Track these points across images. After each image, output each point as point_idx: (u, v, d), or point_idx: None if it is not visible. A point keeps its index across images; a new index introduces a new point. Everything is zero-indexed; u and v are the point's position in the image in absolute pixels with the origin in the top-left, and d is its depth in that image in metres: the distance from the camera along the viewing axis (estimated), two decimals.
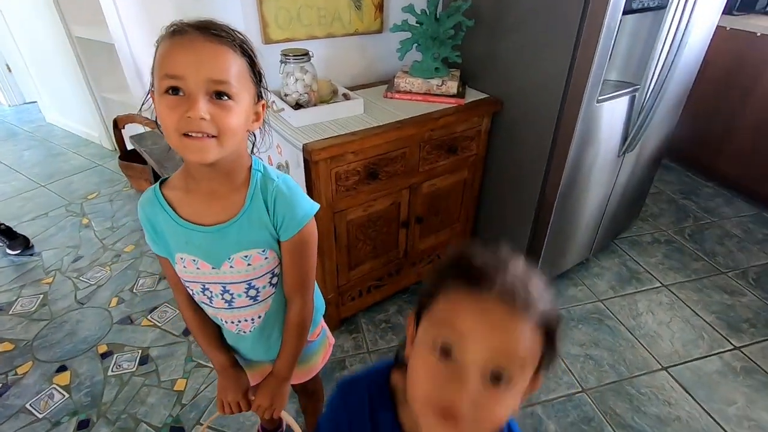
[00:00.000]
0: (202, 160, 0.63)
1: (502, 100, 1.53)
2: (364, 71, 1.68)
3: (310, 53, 1.30)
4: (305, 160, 1.23)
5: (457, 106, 1.47)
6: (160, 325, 1.66)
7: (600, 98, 1.35)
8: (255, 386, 0.89)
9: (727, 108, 2.34)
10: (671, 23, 1.34)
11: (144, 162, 2.19)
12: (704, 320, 1.70)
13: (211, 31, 0.60)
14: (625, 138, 1.56)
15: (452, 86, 1.49)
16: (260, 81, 0.69)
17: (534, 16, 1.33)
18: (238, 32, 0.65)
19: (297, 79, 1.30)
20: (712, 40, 1.67)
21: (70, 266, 1.94)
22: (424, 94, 1.50)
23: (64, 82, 2.82)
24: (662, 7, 1.29)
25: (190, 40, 0.59)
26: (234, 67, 0.62)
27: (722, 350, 1.59)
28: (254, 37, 1.38)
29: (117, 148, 2.47)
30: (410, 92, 1.51)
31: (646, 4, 1.23)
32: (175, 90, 0.59)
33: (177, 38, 0.60)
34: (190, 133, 0.60)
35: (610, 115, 1.44)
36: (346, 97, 1.43)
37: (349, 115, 1.37)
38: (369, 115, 1.38)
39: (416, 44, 1.48)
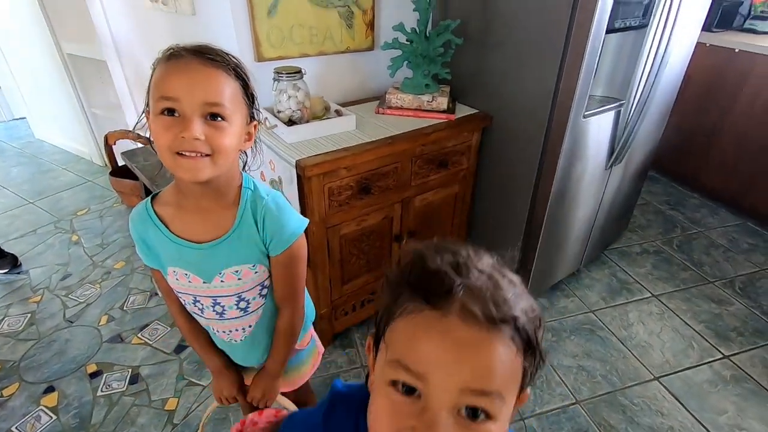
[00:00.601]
0: (195, 178, 0.64)
1: (491, 115, 1.56)
2: (355, 88, 1.71)
3: (303, 71, 1.32)
4: (298, 176, 1.24)
5: (448, 122, 1.49)
6: (151, 343, 1.63)
7: (586, 113, 1.38)
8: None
9: (709, 122, 2.41)
10: (653, 41, 1.38)
11: (135, 178, 2.19)
12: (693, 329, 1.72)
13: (205, 55, 0.63)
14: (612, 151, 1.60)
15: (442, 102, 1.52)
16: (253, 103, 0.71)
17: (520, 34, 1.37)
18: (233, 56, 0.67)
19: (290, 96, 1.32)
20: (692, 56, 1.73)
21: (58, 284, 1.91)
22: (415, 109, 1.53)
23: (55, 98, 2.81)
24: (644, 26, 1.34)
25: (185, 63, 0.61)
26: (227, 90, 0.64)
27: (712, 359, 1.60)
28: (247, 56, 1.41)
29: (108, 164, 2.46)
30: (401, 108, 1.53)
31: (628, 24, 1.27)
32: (170, 111, 0.61)
33: (173, 62, 0.62)
34: (183, 152, 0.62)
35: (597, 129, 1.48)
36: (338, 113, 1.45)
37: (342, 131, 1.38)
38: (361, 131, 1.39)
39: (407, 61, 1.51)
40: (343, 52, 1.60)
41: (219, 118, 0.63)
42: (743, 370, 1.56)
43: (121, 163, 2.35)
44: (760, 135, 2.20)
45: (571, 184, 1.54)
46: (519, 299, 0.37)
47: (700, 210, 2.49)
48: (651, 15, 1.32)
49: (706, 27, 2.01)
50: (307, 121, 1.36)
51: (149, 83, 0.64)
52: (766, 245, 2.21)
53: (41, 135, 3.31)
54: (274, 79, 1.31)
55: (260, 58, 1.43)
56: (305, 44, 1.50)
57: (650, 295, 1.90)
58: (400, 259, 0.42)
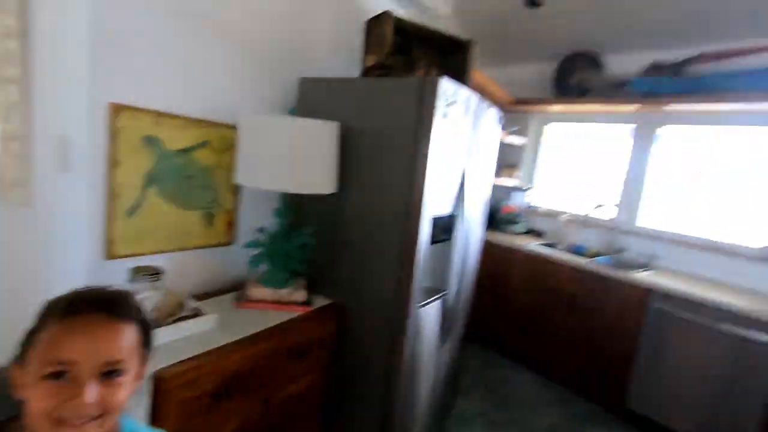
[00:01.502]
0: None
1: (345, 305, 1.73)
2: (213, 279, 1.71)
3: (162, 270, 1.31)
4: (154, 388, 1.11)
5: (306, 313, 1.60)
6: None
7: (420, 304, 1.68)
8: None
9: (498, 296, 3.11)
10: (458, 247, 1.86)
11: None
12: None
13: (112, 308, 0.60)
14: (442, 331, 1.91)
15: (300, 295, 1.64)
16: (149, 344, 0.68)
17: (364, 241, 1.67)
18: (136, 300, 0.67)
19: (146, 298, 1.25)
20: (483, 250, 2.33)
21: None
22: (275, 302, 1.60)
23: None
24: (449, 239, 1.81)
25: (87, 322, 0.57)
26: (129, 342, 0.61)
27: None
28: (94, 254, 1.33)
29: None
30: (262, 301, 1.59)
31: (441, 239, 1.71)
32: (58, 375, 0.55)
33: (70, 320, 0.57)
34: (68, 420, 0.55)
35: (429, 315, 1.78)
36: (196, 312, 1.41)
37: (201, 330, 1.34)
38: (223, 328, 1.38)
39: (267, 258, 1.64)
40: (202, 247, 1.64)
41: (116, 374, 0.59)
42: None
43: None
44: (526, 301, 2.94)
45: (416, 362, 1.74)
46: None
47: (506, 369, 2.99)
48: (453, 232, 1.81)
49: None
50: (164, 323, 1.29)
51: (28, 337, 0.57)
52: (558, 396, 2.73)
53: None
54: (131, 280, 1.25)
55: (110, 256, 1.37)
56: (161, 241, 1.51)
57: None
58: None
